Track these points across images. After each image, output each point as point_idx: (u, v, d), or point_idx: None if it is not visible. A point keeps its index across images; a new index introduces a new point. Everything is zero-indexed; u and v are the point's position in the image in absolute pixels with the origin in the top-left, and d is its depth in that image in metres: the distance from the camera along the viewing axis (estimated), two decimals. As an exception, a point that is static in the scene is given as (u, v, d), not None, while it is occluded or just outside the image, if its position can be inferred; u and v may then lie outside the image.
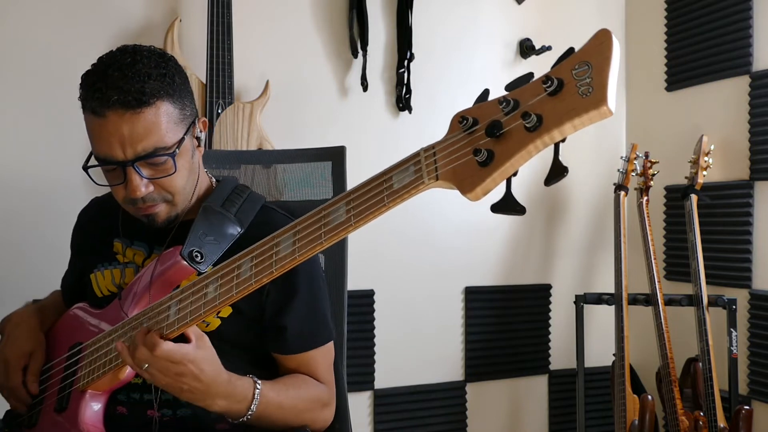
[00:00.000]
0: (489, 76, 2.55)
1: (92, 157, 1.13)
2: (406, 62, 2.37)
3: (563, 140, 0.72)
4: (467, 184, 0.76)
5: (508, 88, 0.76)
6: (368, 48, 2.33)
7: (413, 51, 2.38)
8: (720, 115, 2.36)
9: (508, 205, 0.76)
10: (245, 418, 1.08)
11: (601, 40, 0.71)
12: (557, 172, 0.72)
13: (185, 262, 1.09)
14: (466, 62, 2.52)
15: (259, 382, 1.10)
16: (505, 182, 0.75)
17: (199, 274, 1.10)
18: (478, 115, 0.77)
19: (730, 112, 2.32)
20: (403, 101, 2.40)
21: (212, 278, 0.97)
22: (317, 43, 2.34)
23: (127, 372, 1.12)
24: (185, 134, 1.12)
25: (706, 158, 2.27)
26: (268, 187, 1.59)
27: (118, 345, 1.02)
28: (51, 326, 1.28)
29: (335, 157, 1.59)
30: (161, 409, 1.15)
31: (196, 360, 0.99)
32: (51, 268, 1.47)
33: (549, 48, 2.54)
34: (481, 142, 0.75)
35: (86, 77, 1.12)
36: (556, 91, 0.71)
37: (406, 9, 2.38)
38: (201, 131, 1.18)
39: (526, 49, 2.57)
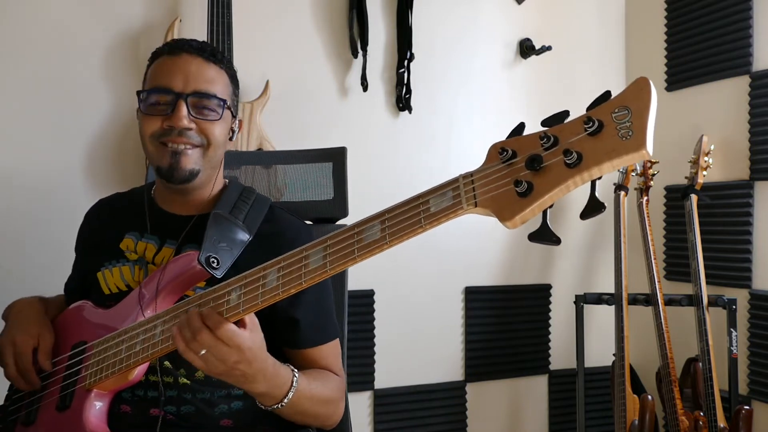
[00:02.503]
0: (489, 76, 2.56)
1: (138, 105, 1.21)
2: (406, 62, 2.37)
3: (599, 177, 0.77)
4: (506, 212, 0.80)
5: (544, 123, 0.81)
6: (368, 48, 2.33)
7: (413, 51, 2.38)
8: (720, 115, 2.36)
9: (544, 236, 0.81)
10: (280, 405, 1.08)
11: (641, 86, 0.75)
12: (594, 207, 0.77)
13: (202, 268, 1.10)
14: (466, 62, 2.52)
15: (296, 370, 1.11)
16: (541, 213, 0.80)
17: (212, 280, 1.11)
18: (516, 148, 0.81)
19: (730, 112, 2.32)
20: (403, 101, 2.40)
21: (234, 286, 0.97)
22: (317, 43, 2.34)
23: (136, 373, 1.12)
24: (231, 109, 1.23)
25: (706, 158, 2.27)
26: (268, 187, 1.59)
27: (174, 329, 0.99)
28: (52, 320, 1.28)
29: (336, 158, 1.60)
30: (165, 406, 1.16)
31: (253, 348, 0.99)
32: (53, 266, 1.47)
33: (549, 48, 2.54)
34: (522, 173, 0.79)
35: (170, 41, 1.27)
36: (596, 132, 0.75)
37: (406, 9, 2.38)
38: (237, 127, 1.27)
39: (526, 49, 2.57)
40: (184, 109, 1.15)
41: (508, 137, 0.83)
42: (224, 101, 1.19)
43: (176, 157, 1.16)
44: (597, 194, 0.77)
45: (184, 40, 1.23)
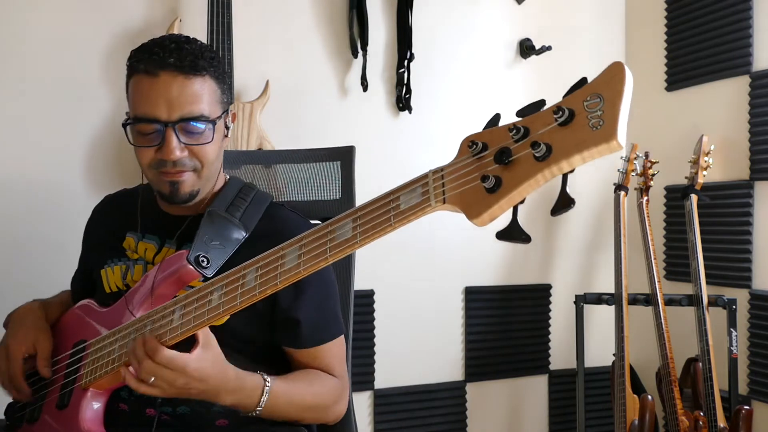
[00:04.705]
0: (489, 76, 2.56)
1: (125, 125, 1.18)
2: (406, 62, 2.37)
3: (572, 171, 0.72)
4: (474, 209, 0.76)
5: (519, 114, 0.76)
6: (368, 48, 2.33)
7: (413, 51, 2.38)
8: (720, 115, 2.36)
9: (512, 234, 0.77)
10: (255, 412, 1.09)
11: (614, 73, 0.71)
12: (564, 203, 0.74)
13: (191, 267, 1.10)
14: (466, 62, 2.52)
15: (268, 378, 1.11)
16: (511, 209, 0.76)
17: (205, 279, 1.10)
18: (488, 140, 0.77)
19: (730, 112, 2.32)
20: (403, 101, 2.40)
21: (217, 285, 0.97)
22: (317, 43, 2.34)
23: None
24: (221, 115, 1.18)
25: (706, 158, 2.27)
26: (276, 186, 1.59)
27: (122, 370, 1.02)
28: (56, 321, 1.28)
29: (344, 156, 1.59)
30: (161, 407, 1.16)
31: (199, 368, 0.99)
32: (51, 267, 1.47)
33: (549, 48, 2.54)
34: (489, 168, 0.75)
35: (141, 46, 1.17)
36: (566, 122, 0.71)
37: (406, 9, 2.38)
38: (231, 122, 1.24)
39: (526, 49, 2.57)
40: (173, 141, 1.11)
41: (483, 129, 0.79)
42: (214, 122, 1.14)
43: (175, 186, 1.16)
44: (596, 192, 0.74)
45: (159, 51, 1.12)
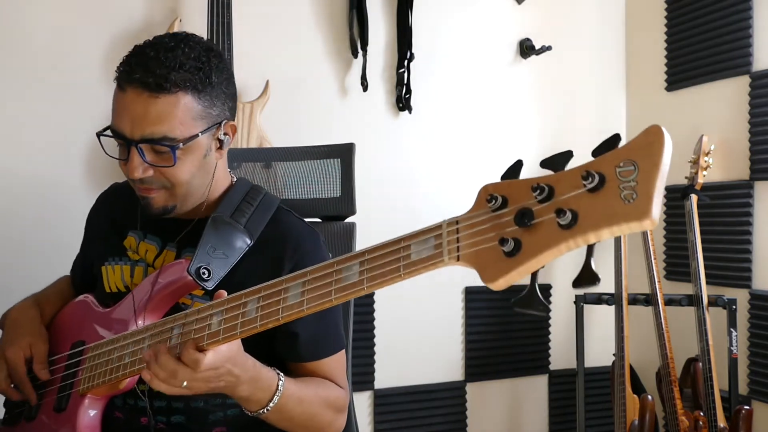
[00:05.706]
0: (489, 76, 2.56)
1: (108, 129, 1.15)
2: (406, 62, 2.37)
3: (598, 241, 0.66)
4: (490, 272, 0.70)
5: (543, 165, 0.70)
6: (368, 48, 2.33)
7: (413, 51, 2.38)
8: (720, 115, 2.36)
9: (530, 304, 0.70)
10: (266, 409, 1.05)
11: (652, 139, 0.64)
12: (588, 278, 0.66)
13: (191, 279, 1.08)
14: (466, 62, 2.52)
15: (281, 373, 1.07)
16: (530, 276, 0.70)
17: (205, 290, 1.09)
18: (507, 194, 0.71)
19: (730, 112, 2.32)
20: (403, 101, 2.40)
21: (217, 310, 0.95)
22: (317, 43, 2.34)
23: (127, 382, 1.11)
24: (203, 132, 1.10)
25: (706, 158, 2.27)
26: (275, 184, 1.58)
27: (145, 375, 0.97)
28: (55, 314, 1.27)
29: (344, 154, 1.59)
30: (155, 416, 1.15)
31: (232, 357, 0.97)
32: (53, 266, 1.47)
33: (549, 48, 2.54)
34: (509, 229, 0.69)
35: (130, 52, 1.12)
36: (596, 189, 0.65)
37: (406, 9, 2.38)
38: (225, 134, 1.16)
39: (526, 49, 2.57)
40: (136, 159, 1.08)
41: (502, 177, 0.74)
42: (176, 145, 1.07)
43: (146, 201, 1.14)
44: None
45: (133, 61, 1.08)
